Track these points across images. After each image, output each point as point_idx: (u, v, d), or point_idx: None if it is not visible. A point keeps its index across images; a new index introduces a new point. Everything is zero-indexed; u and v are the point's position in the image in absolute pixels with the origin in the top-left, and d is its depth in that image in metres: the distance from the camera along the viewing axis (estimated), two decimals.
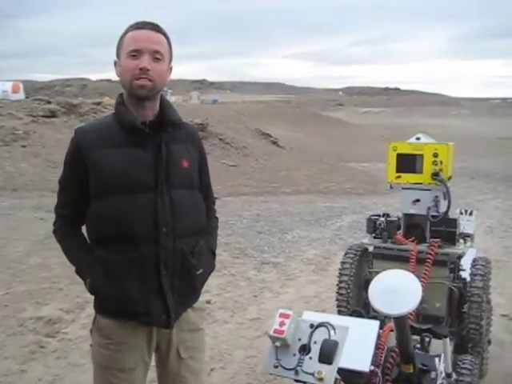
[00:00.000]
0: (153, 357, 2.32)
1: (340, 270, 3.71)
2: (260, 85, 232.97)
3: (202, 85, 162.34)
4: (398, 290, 2.19)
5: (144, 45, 2.08)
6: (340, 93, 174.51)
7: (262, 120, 34.37)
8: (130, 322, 2.15)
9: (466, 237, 3.81)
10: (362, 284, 3.76)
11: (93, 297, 2.23)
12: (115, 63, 2.18)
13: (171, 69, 2.24)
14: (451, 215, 3.55)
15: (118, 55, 2.16)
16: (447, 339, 2.63)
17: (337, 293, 3.67)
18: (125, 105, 2.16)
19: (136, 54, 2.07)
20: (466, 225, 3.95)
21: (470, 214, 4.20)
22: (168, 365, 2.30)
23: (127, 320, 2.14)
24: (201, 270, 2.27)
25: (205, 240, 2.33)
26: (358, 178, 16.85)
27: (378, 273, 2.41)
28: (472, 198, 12.56)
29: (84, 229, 2.27)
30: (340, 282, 3.68)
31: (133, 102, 2.15)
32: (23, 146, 14.89)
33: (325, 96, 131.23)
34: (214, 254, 2.42)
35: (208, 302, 5.64)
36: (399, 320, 2.32)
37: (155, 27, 2.13)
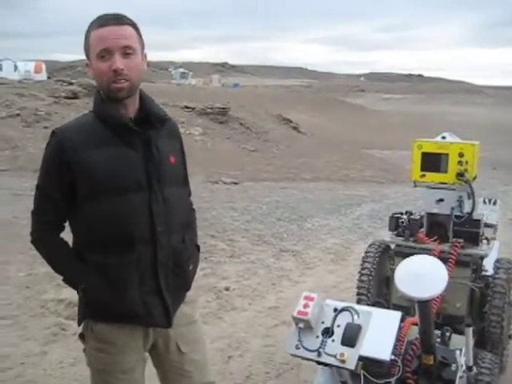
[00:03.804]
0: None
1: (361, 265, 3.72)
2: (282, 69, 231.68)
3: (223, 68, 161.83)
4: (423, 274, 2.20)
5: (111, 43, 1.95)
6: (362, 78, 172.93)
7: (283, 105, 34.21)
8: (129, 324, 2.10)
9: (488, 227, 3.76)
10: (383, 280, 3.75)
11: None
12: (87, 65, 2.07)
13: (146, 56, 2.11)
14: (475, 216, 3.52)
15: (87, 57, 2.05)
16: (470, 329, 2.60)
17: (357, 287, 3.68)
18: (106, 103, 2.06)
19: (105, 54, 1.96)
20: (489, 215, 3.89)
21: (494, 203, 4.13)
22: (169, 361, 2.26)
23: (126, 323, 2.09)
24: (191, 266, 2.26)
25: (189, 234, 2.29)
26: (378, 166, 16.76)
27: None
28: (494, 189, 12.37)
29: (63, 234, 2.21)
30: (361, 275, 3.68)
31: (113, 101, 2.05)
32: (45, 128, 14.96)
33: (346, 81, 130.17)
34: (198, 248, 2.40)
35: (227, 288, 5.68)
36: (424, 305, 2.32)
37: (118, 20, 1.99)
